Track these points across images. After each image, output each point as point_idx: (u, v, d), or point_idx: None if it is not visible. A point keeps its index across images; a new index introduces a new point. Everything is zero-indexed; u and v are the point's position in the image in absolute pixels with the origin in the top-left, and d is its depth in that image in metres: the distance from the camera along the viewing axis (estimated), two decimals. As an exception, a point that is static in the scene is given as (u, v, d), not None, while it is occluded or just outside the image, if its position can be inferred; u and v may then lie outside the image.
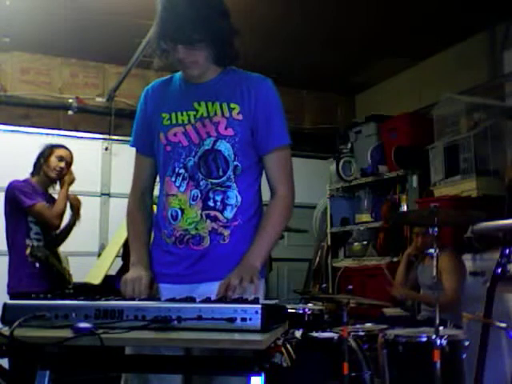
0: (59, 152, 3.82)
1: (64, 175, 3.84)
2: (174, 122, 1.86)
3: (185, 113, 1.85)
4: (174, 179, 1.85)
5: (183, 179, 1.83)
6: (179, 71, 1.93)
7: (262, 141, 1.85)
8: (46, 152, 3.80)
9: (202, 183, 1.82)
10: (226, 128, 1.81)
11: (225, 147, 1.81)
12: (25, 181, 3.74)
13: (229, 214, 1.82)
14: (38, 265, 3.60)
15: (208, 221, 1.81)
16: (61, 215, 3.74)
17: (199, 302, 1.46)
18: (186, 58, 1.77)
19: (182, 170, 1.84)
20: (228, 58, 1.85)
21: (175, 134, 1.85)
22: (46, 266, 3.64)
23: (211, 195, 1.82)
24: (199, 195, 1.82)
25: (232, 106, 1.83)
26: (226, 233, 1.82)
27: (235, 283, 1.64)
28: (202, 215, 1.81)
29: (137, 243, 1.90)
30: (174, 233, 1.84)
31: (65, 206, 3.76)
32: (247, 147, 1.84)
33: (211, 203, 1.82)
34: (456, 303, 3.58)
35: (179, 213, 1.83)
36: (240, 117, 1.82)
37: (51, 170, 3.77)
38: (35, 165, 3.81)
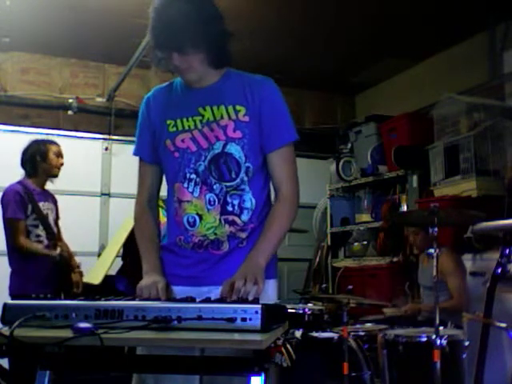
0: (54, 148, 3.81)
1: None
2: (179, 128, 1.86)
3: (190, 118, 1.85)
4: (186, 185, 1.84)
5: (195, 184, 1.84)
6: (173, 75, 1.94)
7: (268, 139, 1.86)
8: (42, 150, 3.78)
9: (215, 187, 1.83)
10: (234, 131, 1.82)
11: (235, 150, 1.82)
12: (21, 183, 3.73)
13: (245, 217, 1.84)
14: (46, 267, 3.62)
15: (226, 225, 1.82)
16: (28, 249, 3.63)
17: (199, 302, 1.46)
18: (181, 64, 1.78)
19: (193, 176, 1.84)
20: (222, 60, 1.86)
21: (183, 140, 1.85)
22: (58, 268, 3.66)
23: (229, 200, 1.83)
24: (216, 200, 1.82)
25: (238, 108, 1.84)
26: (244, 235, 1.84)
27: (239, 285, 1.64)
28: (220, 220, 1.82)
29: (148, 251, 1.90)
30: (193, 239, 1.84)
31: (37, 253, 3.64)
32: (256, 148, 1.85)
33: (230, 208, 1.83)
34: (463, 305, 3.56)
35: (197, 218, 1.83)
36: (247, 118, 1.83)
37: (53, 168, 3.78)
38: (31, 164, 3.78)
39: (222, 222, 1.82)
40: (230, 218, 1.82)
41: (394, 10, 4.66)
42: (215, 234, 1.82)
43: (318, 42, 5.29)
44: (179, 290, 1.82)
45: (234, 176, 1.83)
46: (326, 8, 4.62)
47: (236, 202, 1.83)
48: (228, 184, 1.83)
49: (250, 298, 1.59)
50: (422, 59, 5.65)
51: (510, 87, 4.76)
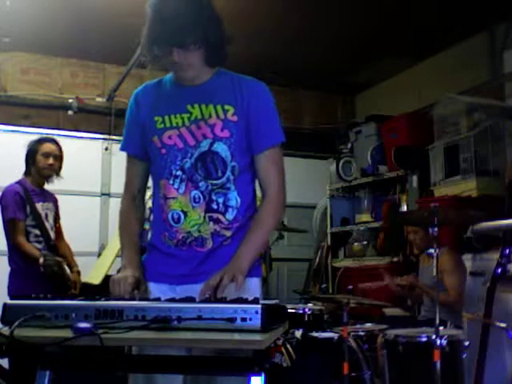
0: (44, 149, 3.75)
1: (59, 168, 3.80)
2: (167, 124, 1.86)
3: (178, 115, 1.86)
4: (171, 182, 1.85)
5: (181, 181, 1.84)
6: (169, 73, 1.94)
7: (255, 141, 1.87)
8: (32, 151, 3.75)
9: (201, 184, 1.83)
10: (222, 130, 1.83)
11: (222, 149, 1.83)
12: (19, 183, 3.73)
13: (230, 215, 1.84)
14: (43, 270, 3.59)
15: (211, 223, 1.83)
16: (23, 250, 3.60)
17: (199, 302, 1.46)
18: (181, 60, 1.79)
19: (179, 172, 1.84)
20: (219, 58, 1.87)
21: (170, 137, 1.85)
22: (55, 273, 3.62)
23: (214, 197, 1.83)
24: (201, 197, 1.83)
25: (226, 107, 1.84)
26: (228, 234, 1.84)
27: (214, 283, 1.66)
28: (205, 217, 1.83)
29: (128, 247, 1.92)
30: (177, 235, 1.85)
31: (29, 256, 3.59)
32: (242, 148, 1.85)
33: (214, 205, 1.83)
34: (458, 303, 3.57)
35: (181, 215, 1.84)
36: (235, 118, 1.84)
37: (41, 169, 3.74)
38: (26, 163, 3.78)
39: (207, 219, 1.83)
40: (215, 215, 1.83)
41: (394, 10, 4.66)
42: (199, 231, 1.83)
43: (318, 42, 5.29)
44: (165, 289, 1.82)
45: (220, 174, 1.83)
46: (326, 8, 4.62)
47: (221, 200, 1.84)
48: (214, 182, 1.83)
49: (223, 292, 1.62)
50: (421, 59, 5.64)
51: (510, 87, 4.76)
